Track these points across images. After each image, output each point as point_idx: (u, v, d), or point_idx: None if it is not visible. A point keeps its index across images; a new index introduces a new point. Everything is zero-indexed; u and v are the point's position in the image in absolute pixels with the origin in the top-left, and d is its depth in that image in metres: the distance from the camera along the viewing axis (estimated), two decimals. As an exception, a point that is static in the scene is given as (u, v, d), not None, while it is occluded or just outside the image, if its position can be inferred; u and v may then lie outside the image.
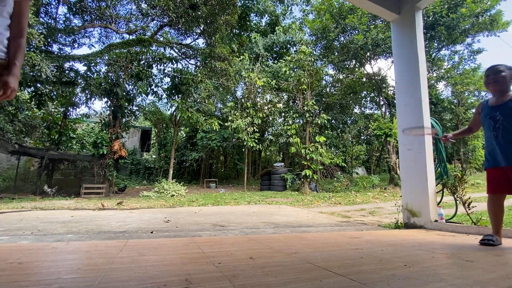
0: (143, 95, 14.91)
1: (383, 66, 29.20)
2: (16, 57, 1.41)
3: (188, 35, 13.32)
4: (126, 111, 12.45)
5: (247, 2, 21.14)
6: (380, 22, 14.33)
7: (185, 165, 17.46)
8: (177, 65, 14.18)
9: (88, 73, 11.76)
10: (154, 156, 21.44)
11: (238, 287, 1.15)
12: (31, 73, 8.87)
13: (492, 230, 2.31)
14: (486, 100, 2.41)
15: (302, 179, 12.46)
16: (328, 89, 19.52)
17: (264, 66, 17.35)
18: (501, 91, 2.26)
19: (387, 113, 16.77)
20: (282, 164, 14.59)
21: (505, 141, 2.16)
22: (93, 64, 11.83)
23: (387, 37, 13.30)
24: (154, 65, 13.52)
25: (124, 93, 12.09)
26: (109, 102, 12.11)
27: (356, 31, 14.59)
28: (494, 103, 2.29)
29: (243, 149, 15.29)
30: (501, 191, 2.26)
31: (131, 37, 13.13)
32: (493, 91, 2.32)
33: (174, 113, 14.95)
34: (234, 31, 17.72)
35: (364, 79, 18.21)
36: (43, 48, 10.28)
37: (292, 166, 17.34)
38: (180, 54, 14.13)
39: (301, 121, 14.13)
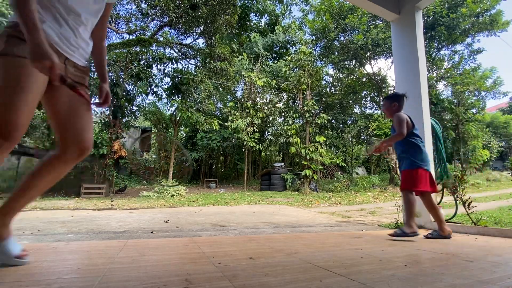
0: (143, 95, 14.90)
1: (383, 66, 29.21)
2: (104, 61, 1.40)
3: (188, 35, 13.31)
4: (126, 111, 12.44)
5: (247, 2, 21.14)
6: (380, 22, 14.32)
7: (185, 165, 17.46)
8: (177, 65, 14.19)
9: (88, 73, 11.75)
10: (154, 156, 21.41)
11: (238, 287, 1.15)
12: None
13: (406, 223, 2.62)
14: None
15: (302, 179, 12.46)
16: (328, 89, 19.49)
17: (264, 66, 17.33)
18: (390, 116, 2.86)
19: (387, 113, 16.72)
20: (282, 164, 14.58)
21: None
22: (93, 64, 11.81)
23: (387, 37, 13.29)
24: (154, 65, 13.50)
25: (124, 93, 12.08)
26: (109, 102, 12.11)
27: (356, 31, 14.59)
28: None
29: (243, 149, 15.29)
30: (426, 188, 2.68)
31: (131, 37, 13.11)
32: (389, 117, 2.95)
33: (174, 113, 14.94)
34: (234, 31, 17.70)
35: (364, 79, 18.19)
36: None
37: (292, 166, 17.33)
38: (180, 54, 14.13)
39: (301, 121, 14.12)
